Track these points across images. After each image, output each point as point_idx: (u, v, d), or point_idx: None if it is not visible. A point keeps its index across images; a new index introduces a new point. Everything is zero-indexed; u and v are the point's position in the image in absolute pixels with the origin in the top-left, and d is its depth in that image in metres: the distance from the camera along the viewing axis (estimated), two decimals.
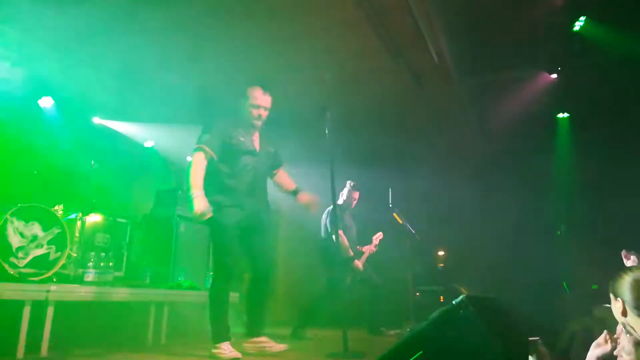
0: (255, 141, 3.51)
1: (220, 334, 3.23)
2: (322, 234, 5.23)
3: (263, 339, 3.41)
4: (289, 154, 6.40)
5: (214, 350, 3.18)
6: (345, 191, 5.36)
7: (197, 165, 3.27)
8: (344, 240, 4.99)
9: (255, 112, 3.44)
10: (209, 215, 3.16)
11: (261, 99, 3.47)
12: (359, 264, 5.16)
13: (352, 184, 5.33)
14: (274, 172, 3.74)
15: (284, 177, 3.79)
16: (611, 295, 2.04)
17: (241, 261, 3.47)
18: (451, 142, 6.93)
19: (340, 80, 5.78)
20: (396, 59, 5.32)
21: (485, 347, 1.68)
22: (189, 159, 6.90)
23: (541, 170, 6.50)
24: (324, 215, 5.25)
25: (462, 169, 6.99)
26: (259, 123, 3.47)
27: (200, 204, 3.12)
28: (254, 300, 3.53)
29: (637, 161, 5.85)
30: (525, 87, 6.52)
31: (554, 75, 6.46)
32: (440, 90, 6.07)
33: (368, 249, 5.40)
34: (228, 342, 3.21)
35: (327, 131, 3.63)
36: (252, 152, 3.45)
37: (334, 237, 5.00)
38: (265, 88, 3.52)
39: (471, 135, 6.82)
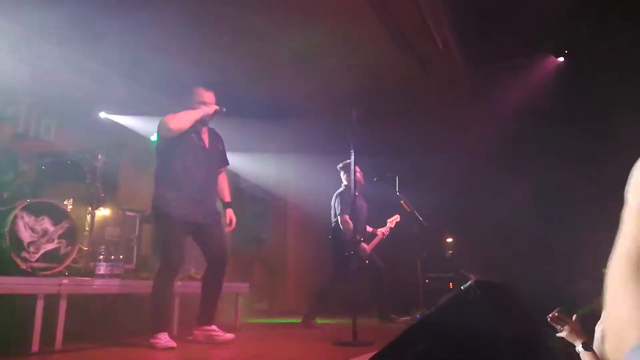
0: (205, 138, 3.66)
1: (160, 325, 3.32)
2: (333, 218, 5.26)
3: (213, 327, 3.53)
4: (300, 143, 6.44)
5: (152, 340, 3.26)
6: (343, 173, 5.34)
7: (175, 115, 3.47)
8: (349, 225, 5.00)
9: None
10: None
11: (206, 96, 3.65)
12: (365, 247, 5.15)
13: (346, 162, 5.32)
14: (220, 170, 3.83)
15: (223, 182, 3.89)
16: None
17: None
18: (459, 128, 6.88)
19: (346, 69, 5.75)
20: (402, 47, 5.29)
21: (494, 332, 1.68)
22: None
23: (549, 155, 6.44)
24: (333, 199, 5.27)
25: (470, 155, 6.94)
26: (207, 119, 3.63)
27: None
28: (206, 290, 3.66)
29: None
30: (532, 71, 6.45)
31: (561, 59, 6.39)
32: (446, 77, 6.02)
33: (381, 232, 5.41)
34: (166, 333, 3.30)
35: (352, 127, 3.77)
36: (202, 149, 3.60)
37: (338, 218, 5.06)
38: (208, 87, 3.73)
39: (479, 122, 6.76)
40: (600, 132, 6.19)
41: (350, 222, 4.93)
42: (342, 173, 5.35)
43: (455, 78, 6.02)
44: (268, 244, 7.81)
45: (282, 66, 5.55)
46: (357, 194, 5.24)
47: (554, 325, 2.07)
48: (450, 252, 7.01)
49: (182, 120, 3.45)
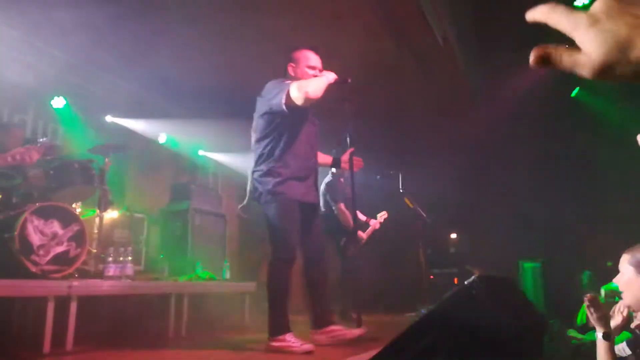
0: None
1: (284, 324, 2.98)
2: (322, 207, 5.15)
3: (333, 327, 3.18)
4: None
5: (276, 344, 2.93)
6: None
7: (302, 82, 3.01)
8: (345, 213, 5.00)
9: (312, 73, 3.24)
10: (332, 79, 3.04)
11: (314, 60, 3.30)
12: (362, 234, 5.17)
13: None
14: None
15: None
16: (631, 268, 2.00)
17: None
18: (461, 124, 6.88)
19: (345, 66, 5.74)
20: (401, 43, 5.29)
21: (499, 327, 1.70)
22: (200, 152, 6.98)
23: (552, 149, 6.44)
24: (322, 188, 5.23)
25: (473, 151, 6.95)
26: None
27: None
28: (313, 287, 3.26)
29: None
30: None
31: None
32: (446, 72, 6.02)
33: (373, 226, 5.40)
34: (292, 333, 2.97)
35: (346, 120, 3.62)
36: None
37: (334, 209, 5.05)
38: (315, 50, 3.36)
39: (481, 117, 6.76)
40: (600, 128, 6.18)
41: (347, 210, 4.95)
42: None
43: (455, 73, 6.01)
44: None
45: (278, 64, 5.55)
46: (341, 180, 5.19)
47: (590, 306, 2.07)
48: (453, 249, 7.02)
49: (318, 87, 2.98)
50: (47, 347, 2.96)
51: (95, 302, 3.48)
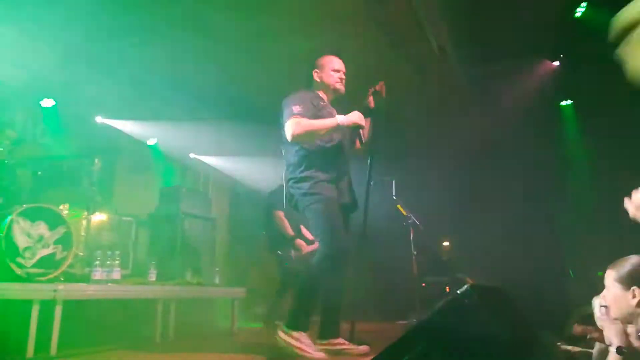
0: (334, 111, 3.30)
1: (303, 321, 2.93)
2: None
3: (340, 340, 3.13)
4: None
5: (285, 337, 2.87)
6: None
7: (298, 124, 3.00)
8: (282, 222, 5.03)
9: (336, 76, 3.33)
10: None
11: (338, 63, 3.37)
12: (301, 243, 5.09)
13: None
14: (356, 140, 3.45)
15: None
16: (617, 284, 1.99)
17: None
18: (454, 132, 6.91)
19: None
20: (396, 50, 5.31)
21: (491, 336, 1.69)
22: (191, 155, 6.93)
23: (544, 159, 6.48)
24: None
25: (467, 159, 6.97)
26: (342, 88, 3.36)
27: (353, 114, 3.06)
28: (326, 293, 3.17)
29: None
30: (527, 75, 6.48)
31: (556, 63, 6.43)
32: (441, 80, 6.04)
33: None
34: (306, 334, 2.91)
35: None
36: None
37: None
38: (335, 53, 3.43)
39: (474, 125, 6.79)
40: (596, 134, 6.23)
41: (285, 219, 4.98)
42: None
43: (451, 81, 6.05)
44: (265, 248, 7.79)
45: (274, 71, 5.55)
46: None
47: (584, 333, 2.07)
48: (445, 258, 7.02)
49: (308, 130, 3.03)
50: (30, 351, 2.90)
51: (82, 306, 3.43)
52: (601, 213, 5.88)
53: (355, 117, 3.10)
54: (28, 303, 2.96)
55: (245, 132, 6.23)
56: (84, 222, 4.12)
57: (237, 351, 3.49)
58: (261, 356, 3.18)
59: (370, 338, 3.66)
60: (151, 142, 6.31)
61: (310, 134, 3.06)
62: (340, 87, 3.37)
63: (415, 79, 5.90)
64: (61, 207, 3.80)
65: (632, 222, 1.82)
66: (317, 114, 3.13)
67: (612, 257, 2.09)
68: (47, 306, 3.05)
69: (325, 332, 3.14)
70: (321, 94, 3.37)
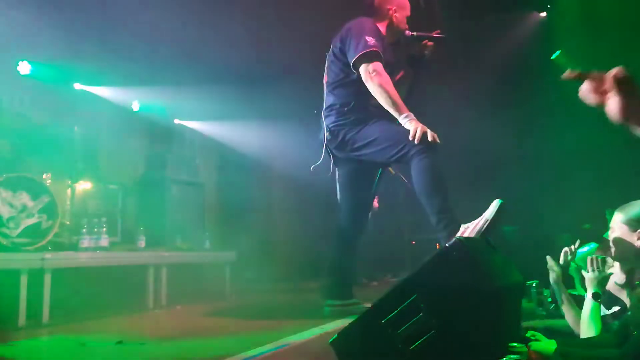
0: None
1: None
2: None
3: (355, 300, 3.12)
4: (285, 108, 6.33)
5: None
6: None
7: (385, 78, 2.71)
8: None
9: (404, 13, 3.06)
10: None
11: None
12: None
13: None
14: None
15: None
16: (624, 226, 2.04)
17: None
18: (441, 88, 6.82)
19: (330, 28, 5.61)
20: None
21: (480, 288, 1.70)
22: (176, 121, 6.79)
23: (534, 110, 6.43)
24: None
25: (453, 113, 6.91)
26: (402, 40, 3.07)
27: (420, 126, 2.70)
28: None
29: None
30: (516, 28, 6.39)
31: (544, 14, 6.34)
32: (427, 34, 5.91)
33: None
34: None
35: None
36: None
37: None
38: None
39: (462, 80, 6.70)
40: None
41: None
42: None
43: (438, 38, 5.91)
44: (255, 212, 7.78)
45: (265, 28, 5.38)
46: None
47: (593, 265, 2.13)
48: None
49: (387, 94, 2.77)
50: (22, 320, 2.91)
51: (71, 275, 3.41)
52: (590, 168, 5.86)
53: (420, 133, 2.75)
54: (16, 272, 2.94)
55: (230, 96, 6.09)
56: (69, 191, 4.05)
57: (232, 315, 3.52)
58: (255, 320, 3.21)
59: (360, 294, 3.71)
60: (135, 107, 6.15)
61: (383, 95, 2.73)
62: (405, 39, 3.07)
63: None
64: (44, 176, 3.73)
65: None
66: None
67: (600, 212, 2.11)
68: (37, 276, 3.03)
69: (342, 293, 3.09)
70: (382, 29, 3.01)
